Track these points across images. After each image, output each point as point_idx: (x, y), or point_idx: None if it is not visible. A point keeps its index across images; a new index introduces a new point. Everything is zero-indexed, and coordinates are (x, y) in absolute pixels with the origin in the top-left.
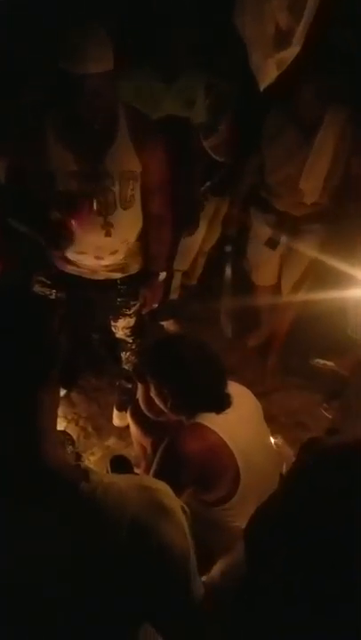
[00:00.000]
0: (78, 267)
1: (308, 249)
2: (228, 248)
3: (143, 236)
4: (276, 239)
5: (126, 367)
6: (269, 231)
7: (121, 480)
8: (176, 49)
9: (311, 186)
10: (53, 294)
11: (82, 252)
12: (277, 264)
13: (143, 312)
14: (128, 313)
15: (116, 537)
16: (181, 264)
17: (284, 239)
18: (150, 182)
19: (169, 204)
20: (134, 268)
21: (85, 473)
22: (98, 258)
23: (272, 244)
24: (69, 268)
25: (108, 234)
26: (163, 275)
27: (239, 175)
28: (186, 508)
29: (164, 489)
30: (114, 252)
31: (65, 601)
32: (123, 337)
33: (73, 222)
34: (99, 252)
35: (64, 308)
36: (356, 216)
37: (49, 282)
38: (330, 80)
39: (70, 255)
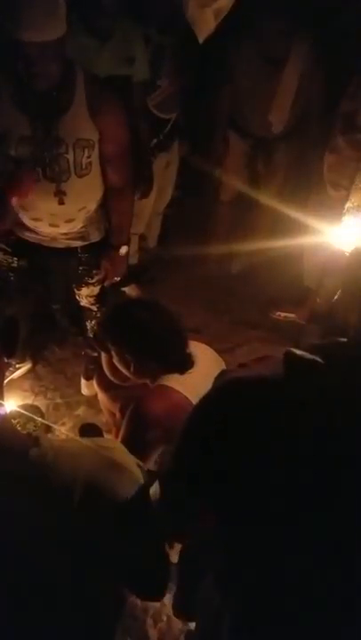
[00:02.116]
0: (37, 234)
1: (280, 164)
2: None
3: (104, 205)
4: (254, 159)
5: (92, 336)
6: (247, 151)
7: (73, 443)
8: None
9: (278, 117)
10: (15, 262)
11: (37, 219)
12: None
13: (105, 284)
14: (91, 282)
15: (70, 496)
16: (136, 227)
17: (260, 158)
18: (109, 151)
19: (128, 174)
20: (95, 236)
21: (35, 439)
22: (53, 225)
23: (251, 163)
24: (28, 236)
25: (61, 202)
26: (125, 248)
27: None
28: (141, 463)
29: (116, 447)
30: (70, 220)
31: (28, 563)
32: (87, 305)
33: (11, 197)
34: (53, 219)
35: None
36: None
37: (9, 249)
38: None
39: (27, 222)
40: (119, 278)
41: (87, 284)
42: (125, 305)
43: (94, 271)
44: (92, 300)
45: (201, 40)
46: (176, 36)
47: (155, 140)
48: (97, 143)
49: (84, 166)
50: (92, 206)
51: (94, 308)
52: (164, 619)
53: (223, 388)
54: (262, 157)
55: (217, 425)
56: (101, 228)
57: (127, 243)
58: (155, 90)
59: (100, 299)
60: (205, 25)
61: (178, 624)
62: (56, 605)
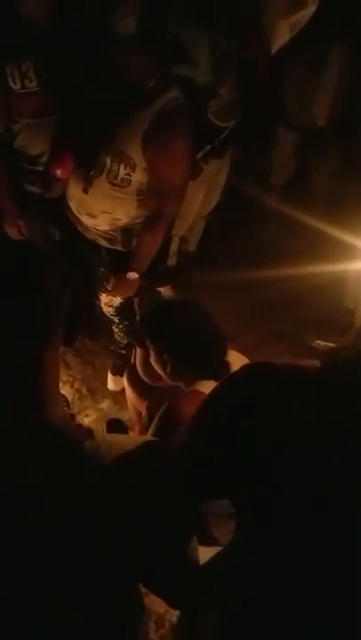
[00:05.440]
0: (74, 215)
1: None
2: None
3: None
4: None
5: (118, 338)
6: (295, 139)
7: (121, 439)
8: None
9: (321, 111)
10: (57, 235)
11: (70, 198)
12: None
13: (108, 295)
14: (110, 289)
15: (119, 492)
16: (179, 228)
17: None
18: (158, 185)
19: (164, 211)
20: (120, 245)
21: (90, 431)
22: (77, 212)
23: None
24: (69, 213)
25: (85, 190)
26: (133, 275)
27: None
28: None
29: (162, 447)
30: (92, 216)
31: (68, 555)
32: (107, 315)
33: (58, 171)
34: (78, 205)
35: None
36: None
37: (54, 218)
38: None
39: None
40: (121, 300)
41: (105, 290)
42: (171, 305)
43: (111, 279)
44: (111, 310)
45: (273, 51)
46: (244, 43)
47: (208, 147)
48: (140, 169)
49: (118, 178)
50: (121, 217)
51: (115, 319)
52: (167, 625)
53: (250, 369)
54: (311, 148)
55: (241, 403)
56: (132, 241)
57: (140, 272)
58: (215, 97)
59: (120, 311)
60: (281, 36)
61: None
62: (85, 599)
